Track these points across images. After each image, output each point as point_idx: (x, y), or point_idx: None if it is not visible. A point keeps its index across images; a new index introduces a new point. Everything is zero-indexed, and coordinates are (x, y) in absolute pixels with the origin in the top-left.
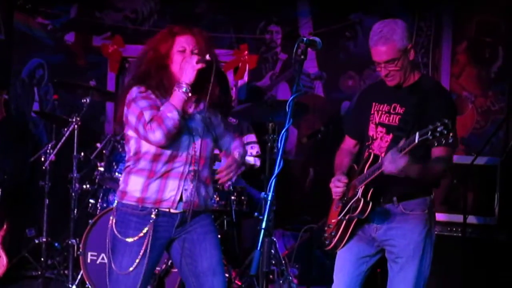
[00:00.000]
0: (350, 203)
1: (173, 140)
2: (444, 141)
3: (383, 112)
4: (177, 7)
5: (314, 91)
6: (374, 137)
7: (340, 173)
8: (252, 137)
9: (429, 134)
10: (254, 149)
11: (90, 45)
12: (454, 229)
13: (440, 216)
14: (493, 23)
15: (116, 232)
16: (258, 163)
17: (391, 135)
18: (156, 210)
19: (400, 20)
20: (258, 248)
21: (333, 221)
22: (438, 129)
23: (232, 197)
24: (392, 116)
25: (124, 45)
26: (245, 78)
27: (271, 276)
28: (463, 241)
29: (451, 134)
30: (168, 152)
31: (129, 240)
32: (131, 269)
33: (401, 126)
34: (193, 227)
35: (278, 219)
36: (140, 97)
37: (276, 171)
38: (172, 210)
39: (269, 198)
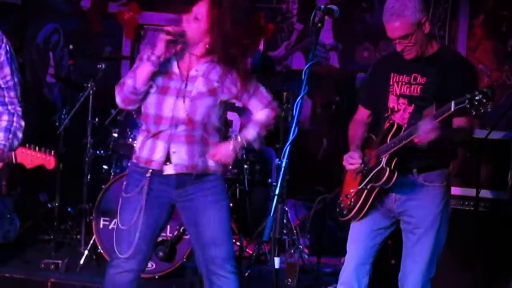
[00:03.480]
0: (373, 173)
1: (135, 102)
2: (482, 111)
3: (403, 83)
4: None
5: (329, 62)
6: (396, 109)
7: (354, 147)
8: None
9: (466, 103)
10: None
11: (106, 11)
12: (466, 203)
13: (453, 190)
14: None
15: (123, 189)
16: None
17: (413, 106)
18: (151, 169)
19: None
20: (271, 214)
21: (351, 191)
22: (477, 98)
23: (245, 166)
24: (413, 86)
25: (140, 11)
26: (261, 47)
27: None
28: (475, 215)
29: (489, 104)
30: (151, 113)
31: (128, 195)
32: (129, 224)
33: (423, 95)
34: (195, 195)
35: (290, 189)
36: (137, 59)
37: (290, 138)
38: (164, 172)
39: (283, 164)
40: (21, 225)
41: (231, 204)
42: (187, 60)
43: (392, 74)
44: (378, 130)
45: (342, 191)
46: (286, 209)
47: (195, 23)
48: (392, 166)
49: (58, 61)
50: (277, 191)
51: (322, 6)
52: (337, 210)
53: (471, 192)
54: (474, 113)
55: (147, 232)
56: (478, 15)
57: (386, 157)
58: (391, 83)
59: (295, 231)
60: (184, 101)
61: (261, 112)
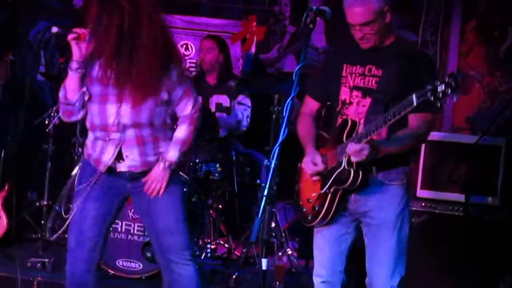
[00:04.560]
0: (335, 175)
1: (74, 114)
2: (447, 102)
3: (357, 75)
4: None
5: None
6: (348, 101)
7: (311, 148)
8: (247, 101)
9: (429, 95)
10: (246, 112)
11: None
12: (456, 208)
13: (442, 195)
14: (503, 2)
15: (76, 181)
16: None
17: (368, 99)
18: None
19: None
20: (259, 216)
21: (313, 195)
22: (439, 89)
23: (235, 168)
24: (367, 78)
25: None
26: (253, 49)
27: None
28: (465, 220)
29: (455, 94)
30: (97, 123)
31: (80, 187)
32: (76, 213)
33: (380, 88)
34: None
35: (280, 191)
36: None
37: (280, 139)
38: (118, 170)
39: (272, 166)
40: (8, 223)
41: (220, 206)
42: None
43: (345, 65)
44: (329, 126)
45: (300, 194)
46: (275, 211)
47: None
48: (355, 166)
49: (49, 60)
50: (265, 192)
51: (314, 8)
52: (300, 216)
53: (461, 197)
54: (438, 105)
55: (96, 221)
56: (470, 20)
57: (346, 157)
58: (343, 74)
59: (283, 234)
60: (125, 107)
61: (181, 128)
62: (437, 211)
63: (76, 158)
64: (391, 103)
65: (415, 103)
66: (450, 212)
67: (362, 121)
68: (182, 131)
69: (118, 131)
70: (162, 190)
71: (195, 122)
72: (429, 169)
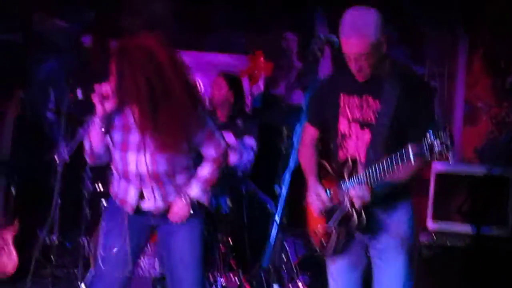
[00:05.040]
0: (339, 214)
1: (101, 159)
2: (445, 158)
3: (354, 106)
4: (193, 11)
5: None
6: (347, 134)
7: (314, 180)
8: (253, 142)
9: (425, 152)
10: (249, 156)
11: (106, 48)
12: (467, 240)
13: (453, 227)
14: (509, 33)
15: (103, 218)
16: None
17: (367, 132)
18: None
19: (374, 10)
20: (271, 241)
21: (319, 227)
22: (436, 148)
23: (244, 201)
24: (365, 110)
25: None
26: (261, 85)
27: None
28: (476, 252)
29: (451, 154)
30: (119, 168)
31: (109, 224)
32: (116, 248)
33: (379, 122)
34: (170, 223)
35: (289, 227)
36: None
37: (291, 166)
38: (142, 208)
39: (283, 192)
40: (19, 259)
41: (229, 240)
42: None
43: (342, 94)
44: (329, 155)
45: (308, 225)
46: (286, 246)
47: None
48: (358, 209)
49: (58, 98)
50: (277, 219)
51: (322, 36)
52: (309, 246)
53: (471, 228)
54: (435, 159)
55: (122, 257)
56: (476, 51)
57: (350, 200)
58: (341, 104)
59: (294, 268)
60: (145, 156)
61: (205, 167)
62: (448, 243)
63: (85, 194)
64: (391, 137)
65: (412, 159)
66: (460, 244)
67: (362, 155)
68: (206, 170)
69: (137, 178)
70: (183, 220)
71: (219, 163)
72: (439, 201)
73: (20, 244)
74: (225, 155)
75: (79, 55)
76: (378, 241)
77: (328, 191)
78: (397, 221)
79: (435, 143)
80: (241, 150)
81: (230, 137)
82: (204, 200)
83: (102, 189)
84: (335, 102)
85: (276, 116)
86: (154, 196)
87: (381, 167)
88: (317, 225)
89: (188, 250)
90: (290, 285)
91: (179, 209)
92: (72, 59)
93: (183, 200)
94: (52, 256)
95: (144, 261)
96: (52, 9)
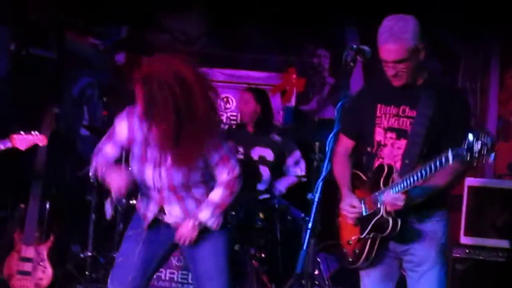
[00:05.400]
0: (373, 221)
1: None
2: (484, 161)
3: (391, 115)
4: (226, 29)
5: None
6: (383, 143)
7: (347, 191)
8: (298, 154)
9: (465, 154)
10: (301, 165)
11: (140, 65)
12: (500, 254)
13: (486, 241)
14: None
15: (128, 227)
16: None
17: (403, 141)
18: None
19: (411, 17)
20: (304, 248)
21: (353, 238)
22: (476, 149)
23: (277, 216)
24: (401, 119)
25: None
26: (293, 101)
27: None
28: (509, 266)
29: (492, 155)
30: (138, 178)
31: (130, 233)
32: (126, 255)
33: (415, 130)
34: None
35: (322, 242)
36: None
37: (323, 174)
38: (164, 221)
39: (316, 199)
40: (53, 274)
41: (262, 255)
42: None
43: (379, 105)
44: (363, 165)
45: (341, 237)
46: (319, 260)
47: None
48: (393, 214)
49: (92, 114)
50: (309, 225)
51: (354, 46)
52: (343, 258)
53: (505, 243)
54: (474, 164)
55: (141, 267)
56: (509, 67)
57: (384, 206)
58: (378, 114)
59: (327, 282)
60: (160, 171)
61: (217, 191)
62: (481, 258)
63: (119, 208)
64: (426, 146)
65: (451, 162)
66: (494, 259)
67: (398, 164)
68: (217, 195)
69: (155, 191)
70: (191, 241)
71: (232, 187)
72: (472, 216)
73: (55, 259)
74: (237, 181)
75: (112, 73)
76: (412, 254)
77: (362, 201)
78: (433, 232)
79: (475, 144)
80: (291, 171)
81: (268, 153)
82: (213, 224)
83: (135, 204)
84: (372, 113)
85: (308, 131)
86: (174, 210)
87: (419, 173)
88: (351, 236)
89: (212, 261)
90: None
91: (186, 231)
92: (105, 76)
93: (191, 223)
94: (86, 271)
95: (177, 274)
96: (86, 27)
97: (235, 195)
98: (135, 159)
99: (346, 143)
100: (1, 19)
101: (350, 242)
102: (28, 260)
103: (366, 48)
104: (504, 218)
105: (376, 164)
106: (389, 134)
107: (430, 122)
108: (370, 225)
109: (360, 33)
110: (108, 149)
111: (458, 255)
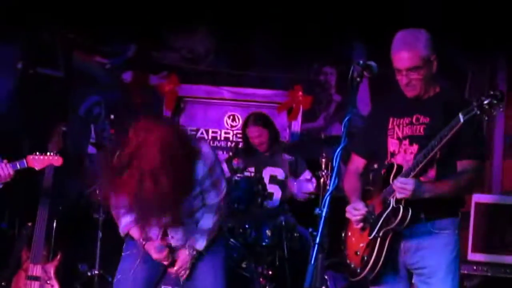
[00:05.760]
0: (383, 217)
1: None
2: (494, 112)
3: (405, 125)
4: (234, 47)
5: None
6: (396, 152)
7: (355, 198)
8: (308, 174)
9: (475, 110)
10: (313, 182)
11: (146, 84)
12: (508, 271)
13: (495, 258)
14: None
15: (123, 248)
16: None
17: (415, 145)
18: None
19: (423, 30)
20: (312, 263)
21: (361, 245)
22: (485, 102)
23: (284, 233)
24: (415, 126)
25: (180, 84)
26: (299, 119)
27: None
28: None
29: (501, 105)
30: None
31: (127, 252)
32: (125, 274)
33: (428, 133)
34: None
35: (329, 260)
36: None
37: (330, 189)
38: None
39: (323, 214)
40: None
41: (270, 272)
42: None
43: (391, 118)
44: (370, 182)
45: (348, 251)
46: (326, 277)
47: None
48: (403, 204)
49: (99, 133)
50: (317, 240)
51: (361, 61)
52: (348, 272)
53: None
54: (486, 118)
55: (144, 283)
56: None
57: (394, 198)
58: (390, 127)
59: None
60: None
61: (207, 218)
62: (490, 274)
63: None
64: (438, 149)
65: (461, 120)
66: (503, 275)
67: (409, 165)
68: (208, 221)
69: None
70: (187, 274)
71: (221, 211)
72: (479, 232)
73: (62, 277)
74: (224, 202)
75: (119, 91)
76: (423, 266)
77: (371, 206)
78: (444, 244)
79: (485, 100)
80: (300, 184)
81: (279, 173)
82: (205, 249)
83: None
84: (384, 127)
85: (314, 148)
86: (177, 234)
87: (429, 146)
88: (359, 244)
89: (209, 279)
90: None
91: (184, 262)
92: (113, 94)
93: (188, 254)
94: None
95: None
96: (93, 46)
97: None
98: None
99: (357, 162)
100: (9, 38)
101: (358, 252)
102: (35, 278)
103: (373, 63)
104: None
105: (384, 170)
106: (403, 142)
107: (442, 127)
108: (380, 222)
109: (367, 49)
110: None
111: (466, 272)
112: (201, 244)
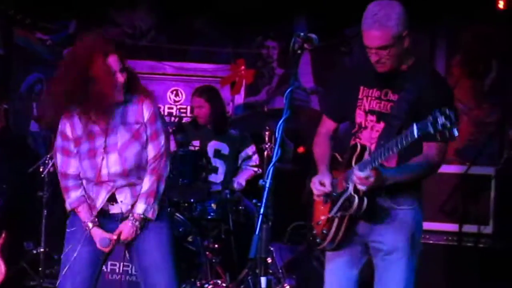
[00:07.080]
0: (342, 200)
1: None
2: (448, 136)
3: (373, 98)
4: (175, 22)
5: (310, 105)
6: (363, 125)
7: (324, 168)
8: (253, 148)
9: (429, 127)
10: (254, 158)
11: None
12: (449, 238)
13: (436, 225)
14: (487, 36)
15: (67, 224)
16: (259, 171)
17: (382, 124)
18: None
19: (397, 3)
20: (256, 233)
21: (322, 218)
22: (439, 121)
23: (229, 206)
24: (383, 102)
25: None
26: (242, 93)
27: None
28: (459, 249)
29: (456, 129)
30: (90, 176)
31: (73, 229)
32: (73, 255)
33: (394, 113)
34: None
35: (274, 232)
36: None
37: (274, 160)
38: (111, 212)
39: (267, 185)
40: (7, 271)
41: (216, 246)
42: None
43: (361, 87)
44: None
45: (313, 217)
46: (272, 249)
47: None
48: (360, 193)
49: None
50: (261, 210)
51: (302, 33)
52: (310, 238)
53: (454, 227)
54: (439, 138)
55: (89, 263)
56: (455, 54)
57: (353, 184)
58: (360, 96)
59: (281, 271)
60: (114, 157)
61: (146, 181)
62: (431, 242)
63: None
64: (403, 129)
65: (416, 135)
66: (444, 242)
67: (373, 146)
68: (146, 184)
69: (109, 180)
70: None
71: (158, 171)
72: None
73: (8, 256)
74: (162, 162)
75: None
76: (382, 242)
77: (335, 180)
78: (404, 220)
79: (439, 118)
80: (245, 168)
81: (224, 147)
82: (150, 215)
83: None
84: (355, 95)
85: (257, 121)
86: (126, 197)
87: (387, 147)
88: (320, 216)
89: (158, 252)
90: None
91: (128, 235)
92: (54, 71)
93: (130, 225)
94: (39, 267)
95: (131, 267)
96: (33, 22)
97: (166, 180)
98: (84, 157)
99: (328, 125)
100: None
101: (319, 223)
102: None
103: (313, 35)
104: (453, 202)
105: (352, 143)
106: (369, 117)
107: (410, 107)
108: (339, 204)
109: (308, 22)
110: (73, 169)
111: None
112: (141, 209)
